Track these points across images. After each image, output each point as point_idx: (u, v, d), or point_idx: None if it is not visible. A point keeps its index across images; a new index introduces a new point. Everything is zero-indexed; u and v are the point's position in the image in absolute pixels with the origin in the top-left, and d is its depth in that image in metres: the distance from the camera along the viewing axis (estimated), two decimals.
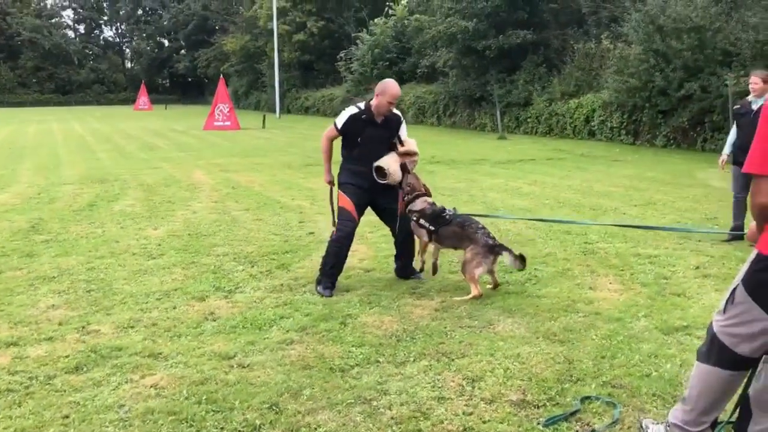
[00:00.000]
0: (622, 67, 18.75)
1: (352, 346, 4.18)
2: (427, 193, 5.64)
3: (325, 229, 7.68)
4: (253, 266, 6.12)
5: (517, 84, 24.28)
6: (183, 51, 78.29)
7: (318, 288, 5.30)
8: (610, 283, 5.53)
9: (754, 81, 6.75)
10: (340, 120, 5.32)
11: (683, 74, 16.81)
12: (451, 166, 14.36)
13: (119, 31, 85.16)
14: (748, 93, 6.94)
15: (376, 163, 5.28)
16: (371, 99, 5.37)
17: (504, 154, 16.91)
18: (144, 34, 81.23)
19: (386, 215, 5.61)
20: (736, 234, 6.77)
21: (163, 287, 5.46)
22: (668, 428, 2.89)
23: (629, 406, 3.35)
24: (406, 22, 33.49)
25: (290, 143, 21.29)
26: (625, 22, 19.11)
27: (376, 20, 35.17)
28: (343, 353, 4.07)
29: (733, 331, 2.63)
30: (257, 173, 13.25)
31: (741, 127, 6.89)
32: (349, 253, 5.56)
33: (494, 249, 5.16)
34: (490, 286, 5.34)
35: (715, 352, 2.69)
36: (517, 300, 5.07)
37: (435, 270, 5.64)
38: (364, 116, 5.28)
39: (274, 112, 40.73)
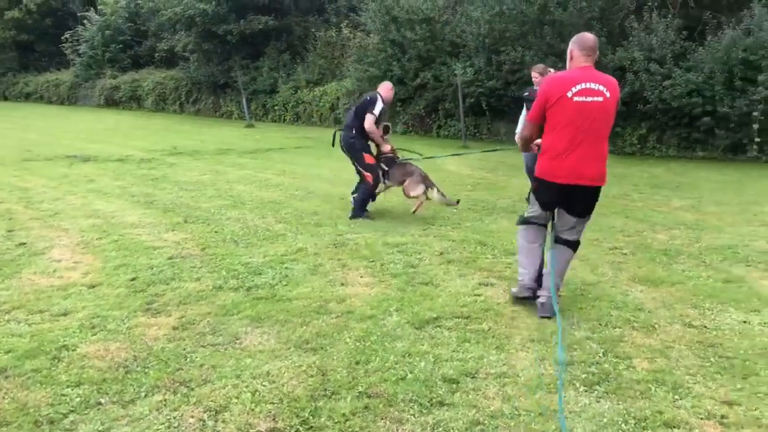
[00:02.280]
0: (362, 56, 19.27)
1: (67, 386, 3.43)
2: (393, 152, 7.69)
3: (40, 238, 6.53)
4: None
5: (261, 71, 23.81)
6: None
7: (364, 215, 7.46)
8: (362, 277, 5.37)
9: (534, 75, 7.99)
10: (377, 110, 7.31)
11: (418, 64, 17.72)
12: (195, 157, 13.47)
13: None
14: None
15: (386, 124, 7.75)
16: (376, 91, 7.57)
17: (252, 142, 16.40)
18: None
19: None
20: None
21: None
22: None
23: (386, 418, 3.13)
24: (140, 2, 31.06)
25: (1, 135, 18.44)
26: (362, 11, 19.62)
27: None
28: (53, 398, 3.31)
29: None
30: None
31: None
32: (71, 265, 5.59)
33: (426, 180, 7.40)
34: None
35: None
36: (267, 306, 4.65)
37: (374, 198, 7.79)
38: (385, 107, 7.46)
39: None
